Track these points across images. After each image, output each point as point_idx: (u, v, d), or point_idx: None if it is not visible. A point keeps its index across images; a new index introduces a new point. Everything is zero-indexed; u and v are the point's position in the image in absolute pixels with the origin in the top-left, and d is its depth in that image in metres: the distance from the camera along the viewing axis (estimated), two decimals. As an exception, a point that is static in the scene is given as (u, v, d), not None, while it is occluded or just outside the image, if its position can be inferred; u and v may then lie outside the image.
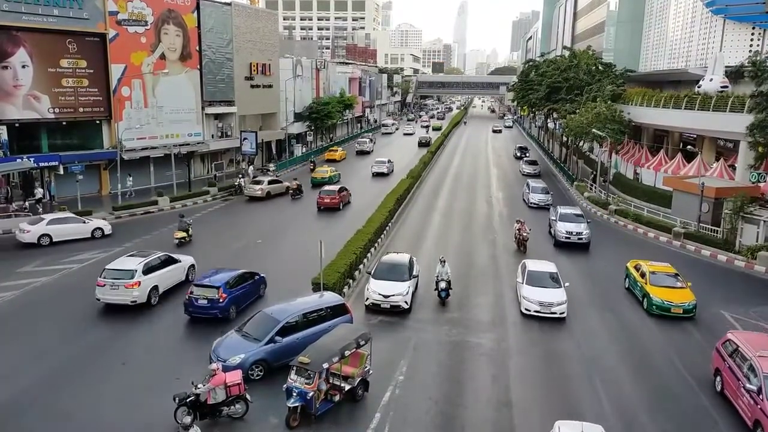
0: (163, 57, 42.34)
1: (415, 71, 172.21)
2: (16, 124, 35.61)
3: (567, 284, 21.72)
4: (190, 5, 44.23)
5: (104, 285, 20.33)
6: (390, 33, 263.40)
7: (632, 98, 45.82)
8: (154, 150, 41.55)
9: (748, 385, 14.28)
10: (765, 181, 30.98)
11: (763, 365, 14.25)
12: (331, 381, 14.64)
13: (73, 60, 37.14)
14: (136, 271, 20.50)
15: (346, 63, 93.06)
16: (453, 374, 16.87)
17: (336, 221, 34.68)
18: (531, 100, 62.01)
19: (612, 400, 15.63)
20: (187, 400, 13.44)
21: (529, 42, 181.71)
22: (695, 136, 42.90)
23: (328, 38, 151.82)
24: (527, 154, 63.54)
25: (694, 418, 14.99)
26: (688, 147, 44.77)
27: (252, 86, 51.65)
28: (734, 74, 38.61)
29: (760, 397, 13.76)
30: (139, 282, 20.42)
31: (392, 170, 51.64)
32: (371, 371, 15.57)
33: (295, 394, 13.73)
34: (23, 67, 35.10)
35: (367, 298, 21.05)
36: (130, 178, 38.68)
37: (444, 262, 22.12)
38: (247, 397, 14.09)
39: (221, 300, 19.49)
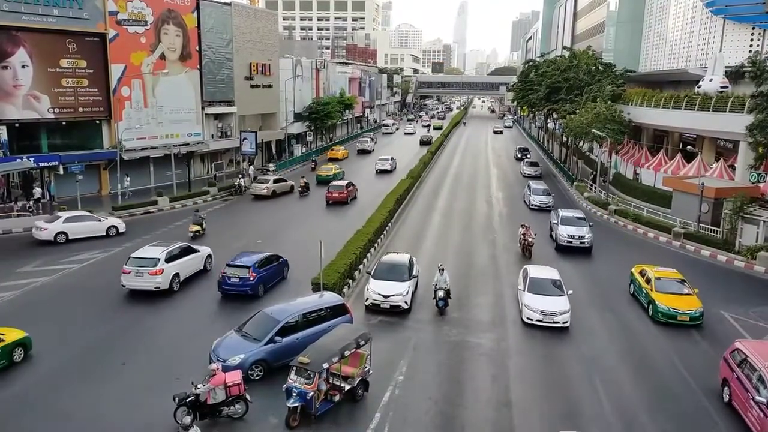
0: (162, 57, 42.35)
1: (415, 71, 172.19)
2: (16, 124, 35.60)
3: (570, 292, 20.92)
4: (190, 5, 44.24)
5: (129, 272, 21.57)
6: (390, 33, 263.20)
7: (632, 98, 45.81)
8: (154, 150, 41.55)
9: (757, 398, 13.64)
10: (765, 182, 30.97)
11: None
12: (330, 381, 14.63)
13: (72, 60, 37.13)
14: (159, 259, 21.80)
15: (346, 63, 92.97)
16: (453, 374, 16.86)
17: (341, 217, 35.09)
18: (531, 100, 62.00)
19: (613, 401, 15.54)
20: (187, 400, 13.44)
21: (529, 42, 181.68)
22: (695, 136, 42.91)
23: (328, 38, 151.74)
24: (528, 155, 63.15)
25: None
26: (688, 147, 44.74)
27: (252, 86, 51.68)
28: (734, 74, 38.63)
29: None
30: (162, 269, 21.69)
31: (395, 167, 53.26)
32: (371, 371, 15.57)
33: (294, 394, 13.73)
34: (23, 67, 35.10)
35: (367, 298, 21.03)
36: (128, 179, 38.61)
37: (443, 270, 21.13)
38: (247, 397, 14.09)
39: (251, 278, 21.47)
